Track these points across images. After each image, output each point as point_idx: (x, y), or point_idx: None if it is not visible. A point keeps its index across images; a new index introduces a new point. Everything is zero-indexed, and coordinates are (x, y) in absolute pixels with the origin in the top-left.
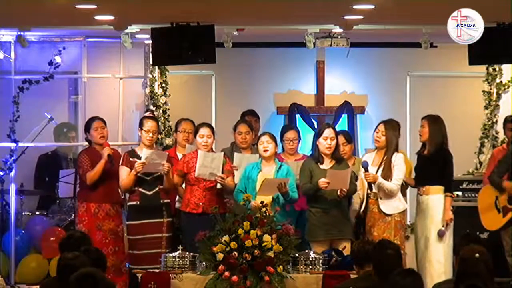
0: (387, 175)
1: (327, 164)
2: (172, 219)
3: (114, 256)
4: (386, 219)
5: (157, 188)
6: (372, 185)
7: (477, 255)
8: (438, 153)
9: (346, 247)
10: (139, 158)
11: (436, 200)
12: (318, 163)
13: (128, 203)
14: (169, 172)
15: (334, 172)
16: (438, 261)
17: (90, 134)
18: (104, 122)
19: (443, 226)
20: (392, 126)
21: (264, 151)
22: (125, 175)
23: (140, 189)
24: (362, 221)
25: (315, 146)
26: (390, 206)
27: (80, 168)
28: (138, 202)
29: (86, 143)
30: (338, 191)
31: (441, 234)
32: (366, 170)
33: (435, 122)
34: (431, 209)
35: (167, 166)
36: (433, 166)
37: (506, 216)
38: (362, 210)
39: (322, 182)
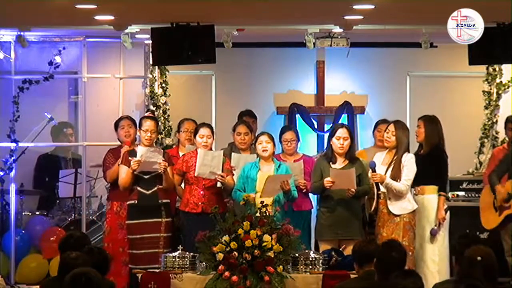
0: (396, 175)
1: (340, 164)
2: (172, 219)
3: None
4: (395, 219)
5: (155, 188)
6: (380, 185)
7: (479, 258)
8: (433, 153)
9: (346, 247)
10: None
11: (431, 200)
12: (331, 163)
13: (128, 202)
14: (167, 170)
15: (338, 172)
16: (433, 260)
17: (118, 133)
18: (133, 122)
19: (435, 225)
20: (402, 126)
21: (263, 151)
22: (123, 173)
23: (138, 188)
24: (364, 221)
25: (328, 146)
26: (398, 207)
27: (104, 166)
28: (136, 201)
29: (87, 143)
30: (347, 191)
31: (433, 233)
32: (374, 171)
33: (431, 123)
34: (426, 209)
35: (163, 165)
36: (429, 166)
37: (502, 214)
38: (372, 210)
39: (326, 181)
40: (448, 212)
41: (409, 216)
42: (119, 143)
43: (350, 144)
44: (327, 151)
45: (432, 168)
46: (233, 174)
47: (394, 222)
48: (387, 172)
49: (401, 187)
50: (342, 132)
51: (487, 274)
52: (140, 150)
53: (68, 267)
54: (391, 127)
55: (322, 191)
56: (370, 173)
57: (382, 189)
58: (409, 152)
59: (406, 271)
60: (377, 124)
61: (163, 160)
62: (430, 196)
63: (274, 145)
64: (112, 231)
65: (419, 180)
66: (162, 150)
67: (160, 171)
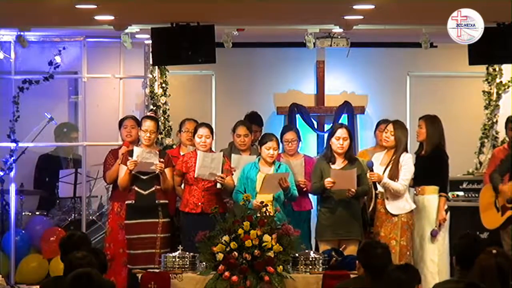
0: (394, 175)
1: (339, 164)
2: (170, 219)
3: None
4: (393, 219)
5: (153, 188)
6: (378, 185)
7: (494, 251)
8: (434, 153)
9: (346, 247)
10: None
11: (432, 201)
12: (330, 163)
13: (125, 202)
14: (164, 172)
15: (339, 172)
16: (432, 260)
17: (121, 132)
18: (137, 122)
19: (436, 226)
20: (401, 126)
21: (270, 157)
22: (122, 173)
23: (136, 188)
24: (365, 222)
25: (328, 146)
26: (396, 207)
27: (104, 167)
28: (134, 201)
29: (87, 143)
30: (347, 191)
31: (434, 234)
32: (371, 170)
33: (432, 123)
34: (427, 209)
35: (160, 166)
36: (430, 167)
37: (505, 215)
38: (370, 209)
39: (327, 182)
40: (448, 213)
41: (407, 216)
42: (119, 142)
43: (349, 144)
44: (326, 152)
45: (433, 168)
46: (232, 174)
47: (392, 222)
48: (385, 172)
49: (399, 187)
50: (341, 132)
51: (501, 275)
52: (136, 150)
53: (74, 267)
54: (390, 127)
55: (323, 192)
56: (368, 173)
57: (380, 189)
58: (407, 152)
59: (401, 265)
60: (378, 124)
61: (160, 161)
62: (431, 197)
63: (278, 148)
64: (113, 232)
65: (420, 180)
66: (157, 152)
67: (156, 172)
